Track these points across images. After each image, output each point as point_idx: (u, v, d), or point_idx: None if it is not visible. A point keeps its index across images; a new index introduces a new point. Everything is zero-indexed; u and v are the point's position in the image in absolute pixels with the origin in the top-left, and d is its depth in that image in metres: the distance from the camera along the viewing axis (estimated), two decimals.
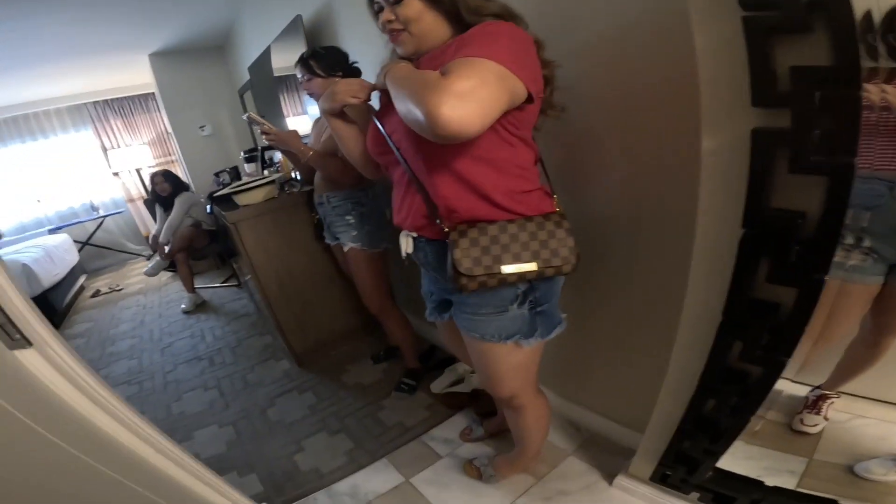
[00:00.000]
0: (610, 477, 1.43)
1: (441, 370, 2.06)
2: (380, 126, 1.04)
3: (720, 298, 0.94)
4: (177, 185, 3.94)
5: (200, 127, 4.95)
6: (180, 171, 5.49)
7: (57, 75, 4.41)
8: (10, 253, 4.13)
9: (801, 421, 1.20)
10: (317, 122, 2.06)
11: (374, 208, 1.93)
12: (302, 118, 3.00)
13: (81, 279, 5.22)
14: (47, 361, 0.78)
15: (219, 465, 1.82)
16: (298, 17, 2.50)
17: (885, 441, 1.09)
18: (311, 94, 1.82)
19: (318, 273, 2.47)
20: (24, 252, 4.10)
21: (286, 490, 1.66)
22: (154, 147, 6.04)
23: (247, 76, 3.91)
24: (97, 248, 5.70)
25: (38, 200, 5.58)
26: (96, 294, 4.85)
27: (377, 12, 0.97)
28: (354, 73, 1.79)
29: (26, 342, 0.75)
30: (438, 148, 0.90)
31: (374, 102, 1.09)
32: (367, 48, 1.98)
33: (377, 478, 1.64)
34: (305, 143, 1.86)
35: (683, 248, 1.00)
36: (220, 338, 3.19)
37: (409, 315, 2.16)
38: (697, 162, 0.90)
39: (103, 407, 0.87)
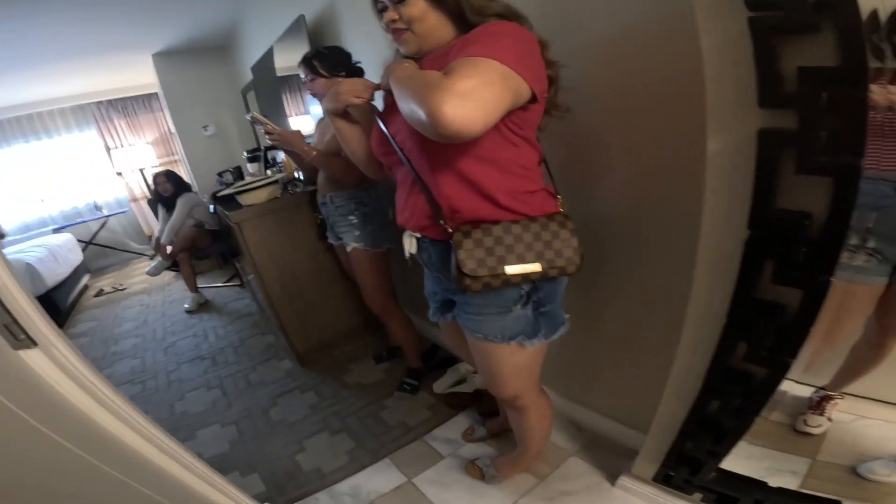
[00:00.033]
0: (612, 477, 1.43)
1: (443, 370, 2.06)
2: (383, 126, 1.04)
3: (725, 299, 0.94)
4: (179, 186, 3.94)
5: (204, 127, 4.96)
6: (183, 171, 5.51)
7: (61, 75, 4.42)
8: (14, 252, 4.15)
9: (805, 421, 1.19)
10: (320, 122, 2.06)
11: (376, 208, 1.93)
12: (304, 118, 3.00)
13: (85, 278, 5.24)
14: (52, 361, 0.79)
15: (221, 465, 1.82)
16: (301, 17, 2.51)
17: (889, 442, 1.09)
18: (314, 94, 1.82)
19: (320, 273, 2.47)
20: (28, 251, 4.11)
21: (288, 490, 1.67)
22: (157, 147, 6.05)
23: (250, 76, 3.92)
24: (101, 248, 5.72)
25: (42, 200, 5.60)
26: (100, 293, 4.87)
27: (381, 11, 0.97)
28: (357, 72, 1.79)
29: (31, 342, 0.75)
30: (441, 148, 0.90)
31: (378, 102, 1.09)
32: (370, 48, 1.98)
33: (379, 478, 1.64)
34: (309, 143, 1.86)
35: (687, 249, 1.00)
36: (223, 337, 3.20)
37: (411, 315, 2.16)
38: (702, 162, 0.89)
39: (107, 407, 0.87)
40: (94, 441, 0.86)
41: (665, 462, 1.25)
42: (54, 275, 4.12)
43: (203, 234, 3.92)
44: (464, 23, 0.94)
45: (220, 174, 4.29)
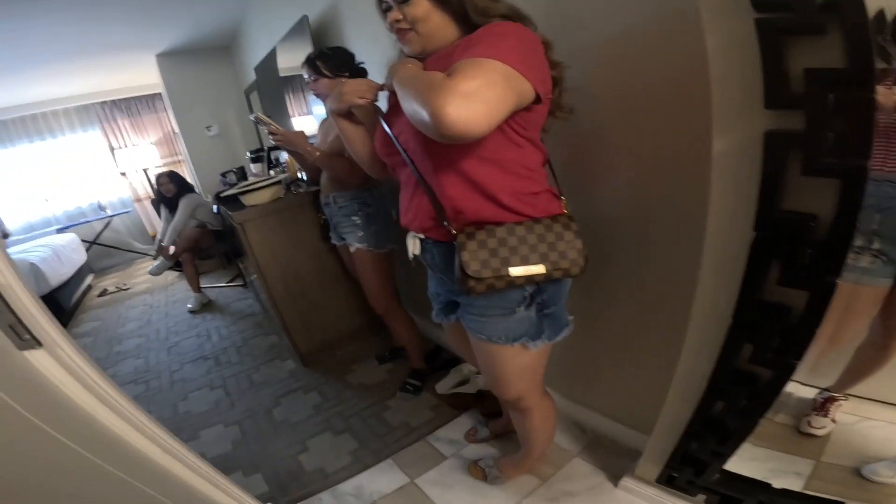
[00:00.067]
0: (615, 478, 1.43)
1: (446, 371, 2.06)
2: (387, 127, 1.04)
3: (731, 301, 0.94)
4: (181, 187, 3.94)
5: (207, 127, 4.97)
6: (187, 172, 5.52)
7: (65, 75, 4.44)
8: (18, 252, 4.17)
9: (809, 423, 1.19)
10: (323, 122, 2.06)
11: (380, 209, 1.93)
12: (307, 118, 3.01)
13: (89, 278, 5.26)
14: (57, 362, 0.79)
15: (224, 465, 1.82)
16: (305, 18, 2.51)
17: (893, 443, 1.09)
18: (317, 95, 1.82)
19: (323, 273, 2.48)
20: (32, 251, 4.13)
21: (291, 490, 1.67)
22: (161, 147, 6.07)
23: (253, 76, 3.92)
24: (104, 248, 5.73)
25: (46, 200, 5.63)
26: (103, 293, 4.88)
27: (385, 11, 0.97)
28: (361, 73, 1.79)
29: (36, 343, 0.76)
30: (445, 149, 0.90)
31: (382, 103, 1.09)
32: (373, 48, 1.99)
33: (382, 478, 1.64)
34: (312, 144, 1.86)
35: (692, 250, 1.00)
36: (226, 337, 3.20)
37: (414, 315, 2.16)
38: (706, 163, 0.89)
39: (111, 407, 0.87)
40: (98, 441, 0.86)
41: (669, 463, 1.25)
42: (58, 275, 4.13)
43: (206, 234, 3.93)
44: (467, 23, 0.93)
45: (223, 174, 4.30)
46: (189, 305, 3.84)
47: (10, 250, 4.39)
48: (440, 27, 0.95)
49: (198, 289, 3.86)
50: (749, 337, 0.95)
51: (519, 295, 1.01)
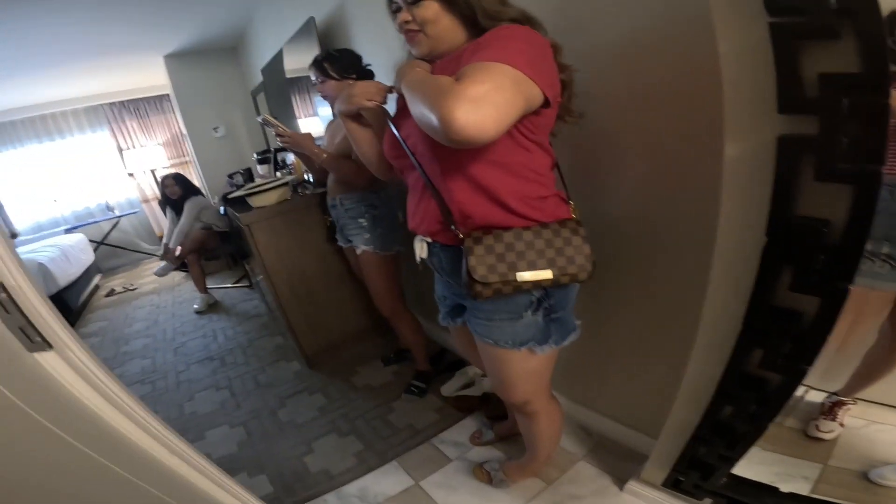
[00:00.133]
0: (621, 482, 1.42)
1: (451, 373, 2.06)
2: (395, 130, 1.04)
3: (741, 306, 0.93)
4: (187, 189, 3.94)
5: (214, 128, 4.99)
6: (194, 173, 5.55)
7: (73, 76, 4.47)
8: (26, 252, 4.19)
9: (817, 427, 1.19)
10: (330, 124, 2.06)
11: (386, 211, 1.93)
12: (313, 120, 3.01)
13: (96, 278, 5.29)
14: (66, 364, 0.79)
15: (229, 466, 1.83)
16: (311, 19, 2.51)
17: None
18: (324, 97, 1.82)
19: (329, 275, 2.48)
20: (40, 251, 4.16)
21: (296, 491, 1.67)
22: (169, 148, 6.11)
23: (260, 78, 3.94)
24: (112, 248, 5.76)
25: (55, 200, 5.67)
26: (111, 293, 4.91)
27: (395, 12, 0.97)
28: (368, 75, 1.79)
29: (46, 345, 0.76)
30: (453, 152, 0.89)
31: (391, 105, 1.09)
32: (380, 50, 1.99)
33: (386, 480, 1.64)
34: (319, 146, 1.86)
35: (702, 255, 0.99)
36: (232, 338, 3.21)
37: (420, 318, 2.16)
38: (716, 167, 0.88)
39: (119, 408, 0.88)
40: (105, 441, 0.86)
41: (675, 467, 1.24)
42: (66, 275, 4.16)
43: (211, 236, 3.94)
44: (476, 27, 0.93)
45: (230, 176, 4.32)
46: (195, 306, 3.86)
47: (19, 250, 4.40)
48: (449, 30, 0.95)
49: (204, 289, 3.88)
50: (760, 342, 0.94)
51: (526, 300, 1.01)
